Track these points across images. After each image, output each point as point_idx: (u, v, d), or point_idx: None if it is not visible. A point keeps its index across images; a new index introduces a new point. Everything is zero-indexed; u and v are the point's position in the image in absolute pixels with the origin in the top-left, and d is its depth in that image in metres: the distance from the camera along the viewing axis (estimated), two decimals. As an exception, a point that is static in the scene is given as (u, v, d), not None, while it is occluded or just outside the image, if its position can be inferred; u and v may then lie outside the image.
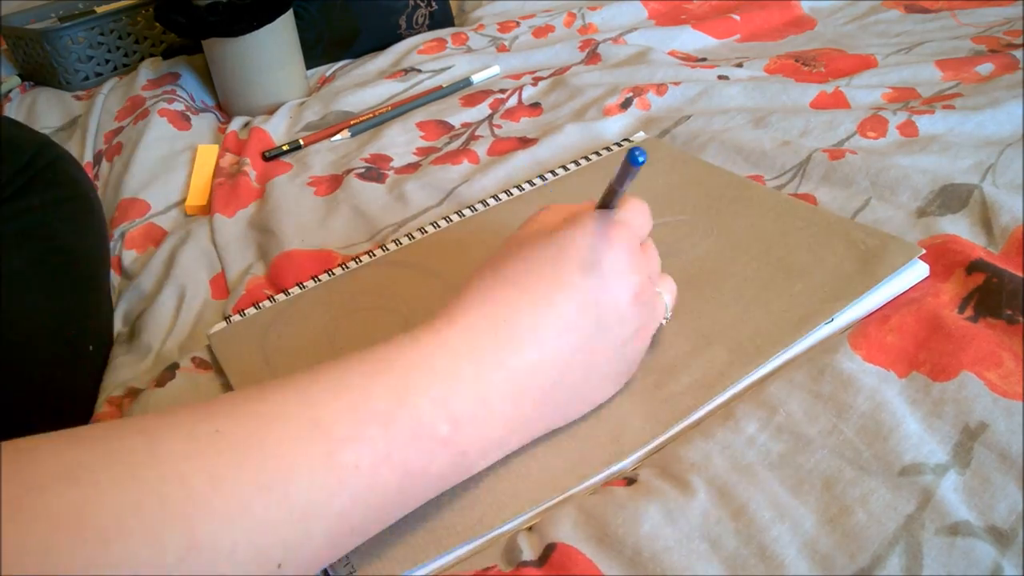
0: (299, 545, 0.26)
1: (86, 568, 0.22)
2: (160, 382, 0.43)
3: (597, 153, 0.58)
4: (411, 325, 0.41)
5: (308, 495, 0.26)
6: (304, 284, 0.49)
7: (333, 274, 0.49)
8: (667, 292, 0.37)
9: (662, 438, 0.34)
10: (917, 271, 0.40)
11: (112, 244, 0.59)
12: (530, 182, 0.56)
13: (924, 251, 0.41)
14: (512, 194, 0.54)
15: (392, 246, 0.51)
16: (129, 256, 0.58)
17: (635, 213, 0.35)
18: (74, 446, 0.24)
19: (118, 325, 0.52)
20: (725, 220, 0.47)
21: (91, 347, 0.47)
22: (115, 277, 0.57)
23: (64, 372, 0.44)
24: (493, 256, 0.35)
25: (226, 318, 0.47)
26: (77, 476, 0.23)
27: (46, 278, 0.44)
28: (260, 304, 0.48)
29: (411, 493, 0.29)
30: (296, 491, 0.26)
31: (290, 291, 0.49)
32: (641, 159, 0.30)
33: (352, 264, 0.50)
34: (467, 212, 0.53)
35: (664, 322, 0.38)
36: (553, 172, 0.56)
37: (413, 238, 0.51)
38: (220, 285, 0.53)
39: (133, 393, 0.44)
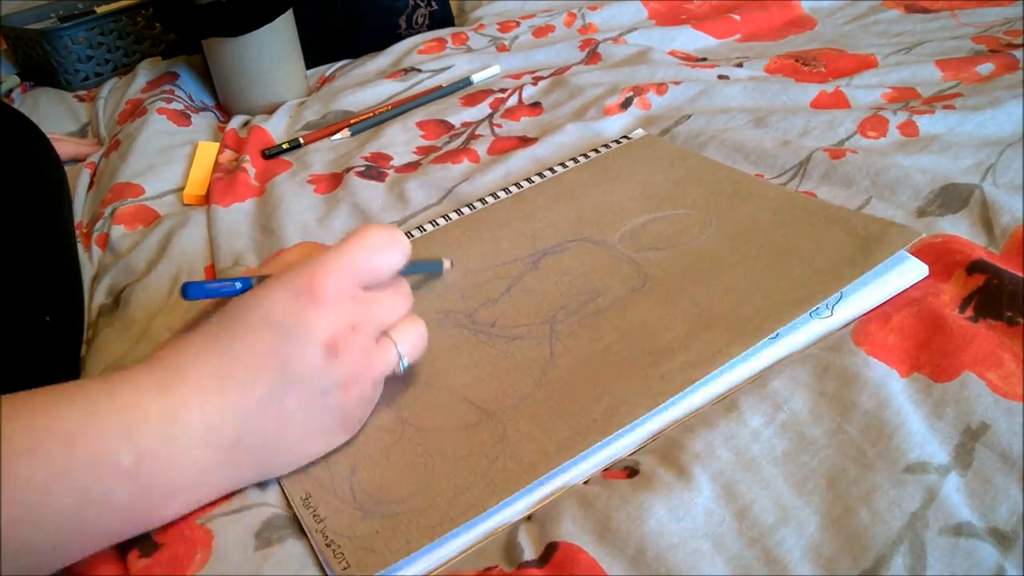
0: None
1: None
2: None
3: (596, 150, 0.58)
4: None
5: None
6: None
7: None
8: (403, 339, 0.35)
9: (660, 417, 0.35)
10: (916, 270, 0.40)
11: (101, 222, 0.60)
12: (529, 180, 0.56)
13: (923, 233, 0.41)
14: (510, 192, 0.54)
15: None
16: (117, 231, 0.58)
17: (362, 251, 0.34)
18: None
19: (100, 298, 0.52)
20: (724, 213, 0.47)
21: (48, 318, 0.46)
22: (98, 251, 0.57)
23: (11, 343, 0.43)
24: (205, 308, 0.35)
25: None
26: None
27: None
28: None
29: (90, 521, 0.29)
30: None
31: None
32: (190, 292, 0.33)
33: None
34: (465, 210, 0.53)
35: (401, 371, 0.36)
36: (552, 170, 0.56)
37: (412, 236, 0.51)
38: (214, 274, 0.53)
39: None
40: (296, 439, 0.33)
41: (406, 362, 0.36)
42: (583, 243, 0.47)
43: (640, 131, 0.61)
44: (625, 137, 0.60)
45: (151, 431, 0.30)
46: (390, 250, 0.35)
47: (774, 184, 0.50)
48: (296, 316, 0.32)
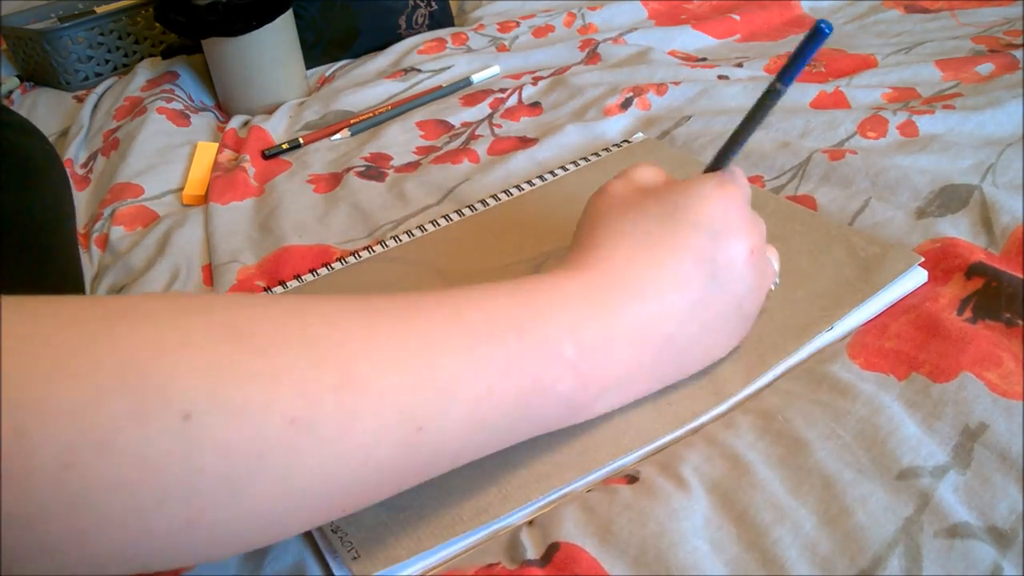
0: (438, 416, 0.27)
1: (242, 369, 0.23)
2: None
3: (596, 154, 0.58)
4: None
5: (449, 371, 0.28)
6: (302, 277, 0.49)
7: (332, 268, 0.49)
8: (774, 258, 0.38)
9: (665, 439, 0.35)
10: (916, 277, 0.40)
11: (100, 223, 0.60)
12: (529, 182, 0.56)
13: (923, 259, 0.41)
14: (512, 194, 0.54)
15: (391, 242, 0.51)
16: (117, 232, 0.58)
17: (744, 177, 0.37)
18: (241, 295, 0.27)
19: None
20: None
21: None
22: (98, 252, 0.57)
23: None
24: (594, 210, 0.36)
25: None
26: (249, 303, 0.26)
27: None
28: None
29: (537, 407, 0.31)
30: (439, 363, 0.28)
31: (288, 283, 0.49)
32: (827, 30, 0.31)
33: (351, 259, 0.50)
34: (467, 211, 0.53)
35: (774, 287, 0.38)
36: (553, 172, 0.56)
37: (412, 235, 0.51)
38: (211, 275, 0.53)
39: None
40: (712, 341, 0.35)
41: (778, 280, 0.39)
42: None
43: (640, 135, 0.61)
44: (626, 141, 0.60)
45: (591, 327, 0.32)
46: (745, 179, 0.37)
47: (770, 193, 0.50)
48: (729, 222, 0.34)
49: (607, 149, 0.59)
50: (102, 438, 0.20)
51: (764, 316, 0.39)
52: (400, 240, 0.51)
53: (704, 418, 0.35)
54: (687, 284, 0.33)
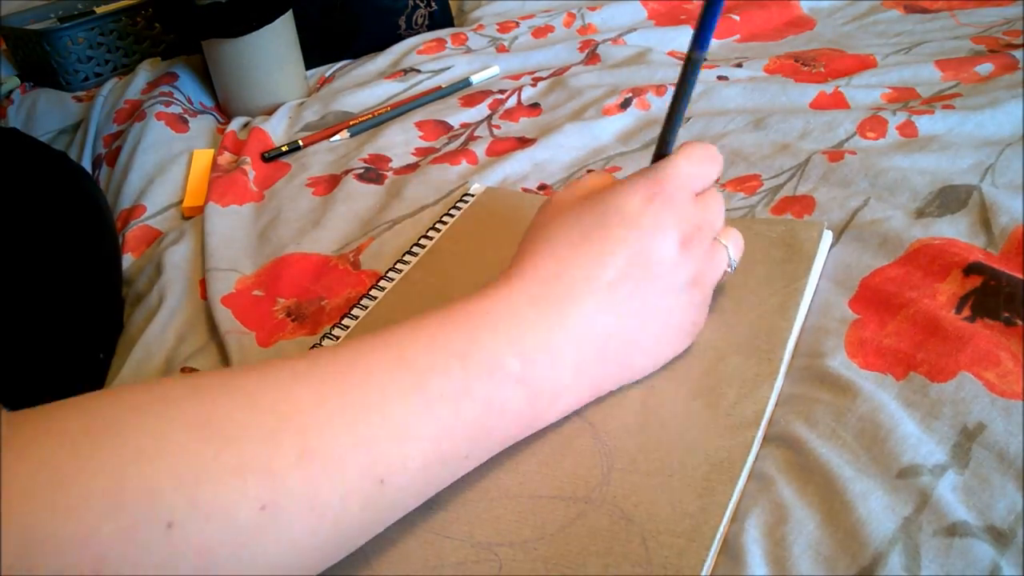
0: (398, 465, 0.28)
1: (210, 464, 0.24)
2: None
3: (442, 221, 0.51)
4: None
5: (403, 417, 0.29)
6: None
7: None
8: (731, 243, 0.38)
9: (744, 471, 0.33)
10: (827, 240, 0.43)
11: None
12: (411, 252, 0.49)
13: (826, 222, 0.44)
14: (405, 263, 0.49)
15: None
16: (127, 260, 0.58)
17: (686, 162, 0.36)
18: (195, 378, 0.27)
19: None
20: None
21: (101, 355, 0.47)
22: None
23: (69, 378, 0.44)
24: (537, 221, 0.37)
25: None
26: (201, 396, 0.26)
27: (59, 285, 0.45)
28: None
29: (493, 428, 0.32)
30: (392, 412, 0.28)
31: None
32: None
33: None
34: (383, 283, 0.48)
35: (728, 271, 0.38)
36: (412, 249, 0.49)
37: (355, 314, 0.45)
38: (204, 289, 0.53)
39: None
40: (654, 338, 0.36)
41: (735, 264, 0.38)
42: None
43: (477, 185, 0.56)
44: (467, 195, 0.54)
45: (532, 338, 0.32)
46: (711, 162, 0.37)
47: None
48: (653, 215, 0.34)
49: (455, 207, 0.53)
50: (95, 563, 0.22)
51: (726, 332, 0.38)
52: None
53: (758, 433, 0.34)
54: (619, 280, 0.34)
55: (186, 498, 0.23)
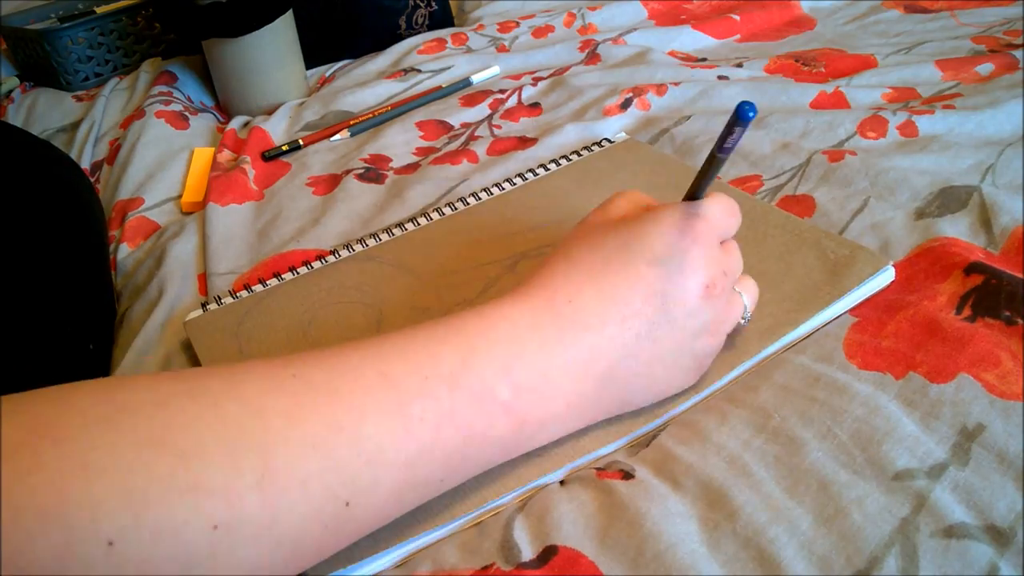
0: (367, 488, 0.27)
1: (162, 481, 0.23)
2: None
3: (577, 153, 0.58)
4: (386, 321, 0.40)
5: (378, 439, 0.27)
6: (282, 276, 0.49)
7: (311, 267, 0.50)
8: (747, 293, 0.37)
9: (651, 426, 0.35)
10: (884, 277, 0.41)
11: (112, 246, 0.59)
12: (509, 181, 0.55)
13: (891, 262, 0.41)
14: (492, 193, 0.54)
15: (371, 241, 0.51)
16: (123, 251, 0.58)
17: (718, 209, 0.35)
18: (164, 381, 0.26)
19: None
20: None
21: (91, 346, 0.47)
22: (112, 274, 0.57)
23: (59, 368, 0.44)
24: (565, 240, 0.36)
25: (203, 305, 0.48)
26: (166, 403, 0.25)
27: (37, 276, 0.44)
28: (237, 294, 0.48)
29: (472, 455, 0.30)
30: (367, 434, 0.27)
31: (268, 282, 0.49)
32: (751, 114, 0.28)
33: (331, 258, 0.50)
34: (447, 210, 0.53)
35: (743, 322, 0.37)
36: (533, 172, 0.56)
37: (392, 234, 0.52)
38: (206, 284, 0.53)
39: None
40: (660, 377, 0.34)
41: (749, 316, 0.37)
42: None
43: (622, 134, 0.61)
44: (607, 140, 0.60)
45: (527, 366, 0.31)
46: (736, 216, 0.36)
47: (747, 194, 0.50)
48: (682, 253, 0.33)
49: (588, 148, 0.59)
50: None
51: None
52: (380, 239, 0.51)
53: (647, 426, 0.35)
54: (633, 317, 0.32)
55: (132, 515, 0.22)
